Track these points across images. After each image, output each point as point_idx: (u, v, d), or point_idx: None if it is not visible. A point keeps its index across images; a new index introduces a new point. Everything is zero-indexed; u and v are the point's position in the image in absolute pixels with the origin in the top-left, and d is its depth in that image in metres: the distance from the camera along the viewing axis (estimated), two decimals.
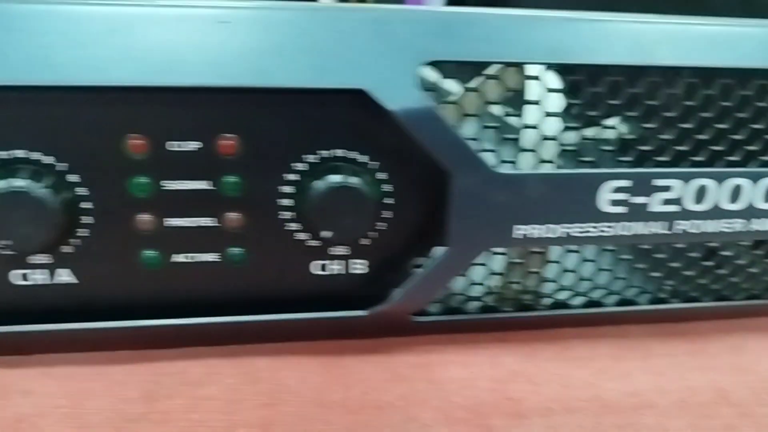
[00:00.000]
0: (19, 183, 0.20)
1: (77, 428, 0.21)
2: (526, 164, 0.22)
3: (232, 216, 0.22)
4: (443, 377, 0.24)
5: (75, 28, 0.19)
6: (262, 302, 0.23)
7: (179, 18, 0.20)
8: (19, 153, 0.20)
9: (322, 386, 0.23)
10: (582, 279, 0.25)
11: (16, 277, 0.22)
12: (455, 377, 0.24)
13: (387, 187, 0.22)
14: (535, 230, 0.23)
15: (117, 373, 0.23)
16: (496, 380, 0.24)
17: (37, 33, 0.19)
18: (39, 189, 0.20)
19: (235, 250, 0.23)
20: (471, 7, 0.22)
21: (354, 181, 0.21)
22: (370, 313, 0.23)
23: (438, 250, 0.23)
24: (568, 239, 0.23)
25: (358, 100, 0.21)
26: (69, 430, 0.21)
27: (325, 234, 0.22)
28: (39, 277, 0.22)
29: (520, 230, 0.22)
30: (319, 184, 0.21)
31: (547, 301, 0.26)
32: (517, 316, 0.25)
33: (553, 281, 0.25)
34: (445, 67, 0.22)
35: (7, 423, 0.20)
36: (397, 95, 0.20)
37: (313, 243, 0.23)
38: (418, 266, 0.24)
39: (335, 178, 0.21)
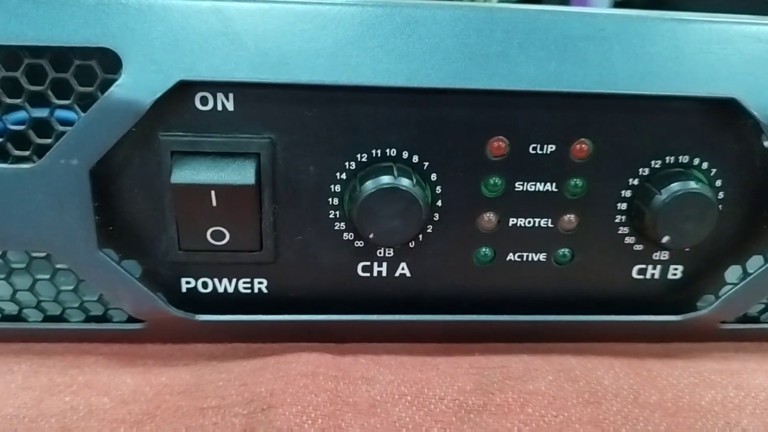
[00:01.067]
0: (390, 179, 0.21)
1: (425, 416, 0.21)
2: None
3: (569, 218, 0.23)
4: (751, 384, 0.24)
5: (462, 33, 0.20)
6: (579, 302, 0.24)
7: (551, 25, 0.20)
8: (392, 151, 0.21)
9: (636, 387, 0.23)
10: None
11: (362, 268, 0.23)
12: (762, 385, 0.24)
13: (719, 195, 0.23)
14: None
15: (441, 364, 0.23)
16: None
17: (432, 36, 0.20)
18: (410, 186, 0.21)
19: (565, 251, 0.23)
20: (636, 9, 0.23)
21: (700, 188, 0.21)
22: (683, 319, 0.24)
23: (756, 260, 0.24)
24: None
25: (716, 108, 0.21)
26: (418, 417, 0.21)
27: (666, 239, 0.22)
28: (381, 269, 0.23)
29: None
30: (665, 191, 0.22)
31: None
32: None
33: None
34: None
35: (364, 407, 0.21)
36: (765, 104, 0.21)
37: (639, 247, 0.23)
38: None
39: (681, 185, 0.21)
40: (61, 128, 0.20)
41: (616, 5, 0.56)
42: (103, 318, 0.23)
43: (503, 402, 0.22)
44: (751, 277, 0.23)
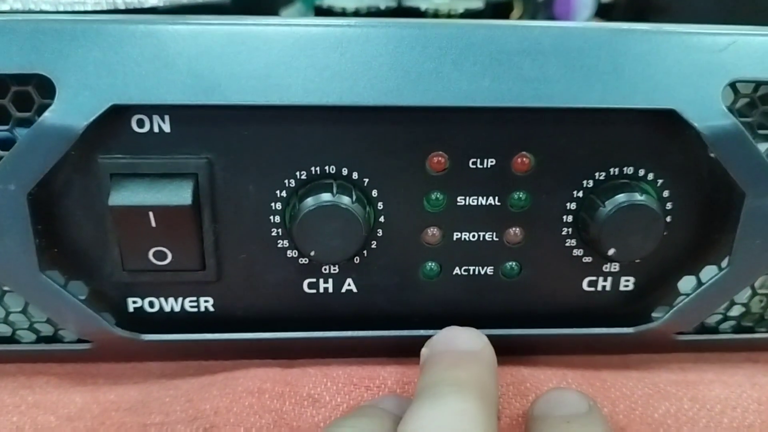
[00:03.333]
0: (329, 197, 0.21)
1: None
2: None
3: (515, 231, 0.22)
4: (707, 396, 0.23)
5: (394, 51, 0.20)
6: (530, 315, 0.24)
7: (487, 41, 0.20)
8: (331, 168, 0.21)
9: None
10: None
11: (308, 285, 0.23)
12: (719, 397, 0.23)
13: (667, 205, 0.22)
14: None
15: (390, 377, 0.23)
16: (760, 401, 0.23)
17: (365, 54, 0.20)
18: (349, 203, 0.21)
19: (512, 264, 0.23)
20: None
21: (644, 199, 0.21)
22: (636, 331, 0.23)
23: (708, 270, 0.23)
24: None
25: (657, 119, 0.21)
26: None
27: (612, 252, 0.22)
28: (327, 286, 0.23)
29: None
30: (609, 203, 0.21)
31: None
32: None
33: None
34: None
35: (312, 430, 0.21)
36: (705, 115, 0.20)
37: (588, 259, 0.23)
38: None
39: (625, 197, 0.21)
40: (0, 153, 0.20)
41: (600, 7, 0.56)
42: (54, 338, 0.23)
43: None
44: (704, 287, 0.23)
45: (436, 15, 0.35)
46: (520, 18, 0.56)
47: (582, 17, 0.58)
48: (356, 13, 0.35)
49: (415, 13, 0.35)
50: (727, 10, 0.47)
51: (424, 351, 0.21)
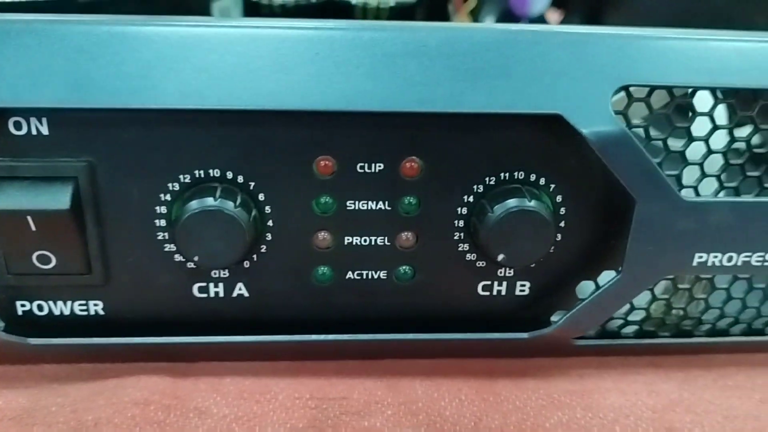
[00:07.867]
0: (211, 201, 0.20)
1: None
2: (707, 190, 0.22)
3: (407, 235, 0.22)
4: (601, 404, 0.23)
5: (277, 53, 0.20)
6: (425, 320, 0.24)
7: (372, 43, 0.20)
8: (215, 172, 0.21)
9: (479, 414, 0.23)
10: (747, 307, 0.25)
11: (198, 289, 0.23)
12: (613, 405, 0.23)
13: (561, 210, 0.22)
14: (716, 258, 0.22)
15: (283, 392, 0.23)
16: (654, 409, 0.23)
17: (246, 56, 0.20)
18: (232, 208, 0.20)
19: (405, 268, 0.23)
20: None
21: (534, 205, 0.21)
22: (530, 336, 0.23)
23: (606, 275, 0.23)
24: (747, 268, 0.22)
25: (546, 124, 0.21)
26: None
27: (501, 257, 0.22)
28: (218, 290, 0.23)
29: (702, 258, 0.22)
30: (498, 208, 0.21)
31: (704, 327, 0.25)
32: (674, 342, 0.25)
33: (718, 308, 0.25)
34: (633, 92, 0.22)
35: None
36: (592, 120, 0.20)
37: (482, 264, 0.23)
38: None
39: (515, 202, 0.21)
40: None
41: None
42: None
43: None
44: (598, 292, 0.23)
45: (365, 9, 0.34)
46: (475, 9, 0.56)
47: (538, 8, 0.57)
48: (283, 6, 0.34)
49: (345, 7, 0.35)
50: (683, 4, 0.47)
51: None
